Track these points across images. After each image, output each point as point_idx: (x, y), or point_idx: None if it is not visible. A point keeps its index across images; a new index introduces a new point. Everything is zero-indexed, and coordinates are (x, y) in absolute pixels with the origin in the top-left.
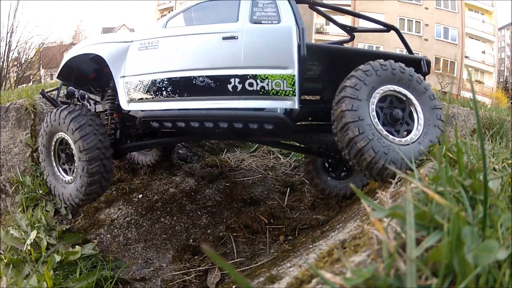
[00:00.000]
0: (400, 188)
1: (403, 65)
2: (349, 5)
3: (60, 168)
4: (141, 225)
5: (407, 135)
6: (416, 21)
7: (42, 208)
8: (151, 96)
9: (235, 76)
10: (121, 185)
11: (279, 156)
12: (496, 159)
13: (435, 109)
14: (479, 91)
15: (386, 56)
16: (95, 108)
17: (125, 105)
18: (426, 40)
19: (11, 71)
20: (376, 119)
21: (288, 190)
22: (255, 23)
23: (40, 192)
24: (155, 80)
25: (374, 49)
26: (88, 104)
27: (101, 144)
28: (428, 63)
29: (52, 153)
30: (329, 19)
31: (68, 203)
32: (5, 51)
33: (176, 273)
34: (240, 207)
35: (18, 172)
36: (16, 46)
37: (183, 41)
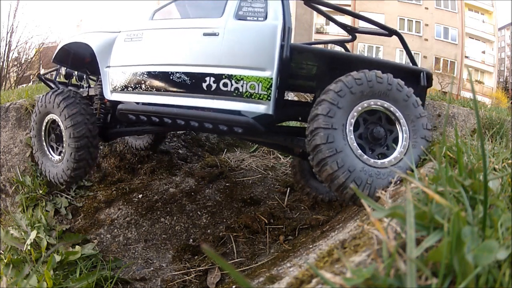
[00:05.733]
0: (400, 188)
1: (379, 73)
2: (349, 5)
3: (50, 150)
4: (141, 225)
5: (389, 154)
6: (416, 21)
7: (42, 208)
8: (131, 88)
9: (210, 75)
10: (121, 185)
11: (279, 156)
12: (496, 159)
13: (420, 118)
14: (479, 91)
15: (382, 65)
16: (88, 91)
17: (108, 95)
18: (426, 40)
19: (11, 71)
20: (355, 144)
21: (288, 190)
22: (239, 19)
23: (40, 192)
24: (136, 73)
25: (374, 49)
26: (87, 83)
27: (84, 111)
28: (429, 76)
29: (43, 136)
30: (329, 18)
31: (64, 177)
32: (5, 51)
33: (176, 273)
34: (240, 207)
35: (18, 172)
36: (16, 46)
37: (166, 34)
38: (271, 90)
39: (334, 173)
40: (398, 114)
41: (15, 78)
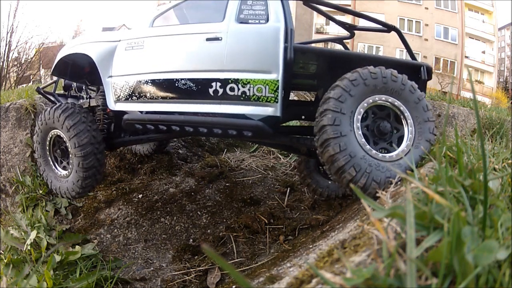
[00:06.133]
0: (400, 188)
1: (395, 72)
2: (349, 5)
3: (56, 164)
4: (141, 225)
5: (391, 150)
6: (416, 21)
7: (42, 208)
8: (136, 97)
9: (216, 80)
10: (121, 185)
11: (279, 156)
12: (496, 159)
13: (428, 122)
14: (479, 91)
15: (382, 61)
16: (89, 102)
17: (112, 105)
18: (426, 40)
19: (11, 71)
20: (360, 132)
21: (288, 190)
22: (241, 22)
23: (40, 192)
24: (140, 81)
25: (374, 49)
26: (86, 94)
27: (94, 140)
28: (429, 69)
29: (48, 151)
30: (328, 16)
31: (68, 194)
32: (5, 51)
33: (176, 273)
34: (240, 207)
35: (18, 172)
36: (16, 46)
37: (168, 41)
38: (278, 92)
39: (335, 155)
40: (407, 114)
41: (15, 78)
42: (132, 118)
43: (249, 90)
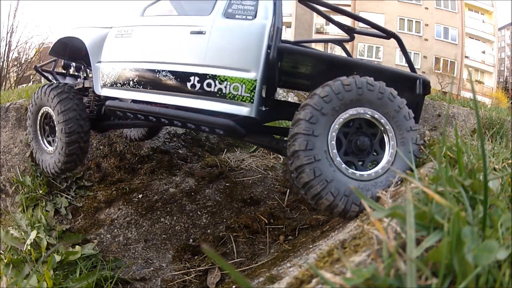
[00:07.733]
0: (400, 188)
1: (371, 79)
2: (349, 5)
3: (44, 140)
4: (141, 225)
5: (379, 159)
6: (416, 21)
7: (42, 208)
8: (120, 84)
9: (195, 74)
10: (121, 185)
11: (279, 156)
12: (496, 159)
13: (400, 110)
14: (479, 91)
15: (373, 70)
16: (83, 83)
17: (98, 90)
18: (426, 40)
19: (11, 71)
20: (344, 165)
21: (288, 190)
22: (228, 17)
23: (40, 192)
24: (125, 69)
25: (374, 49)
26: (86, 73)
27: (77, 107)
28: (426, 83)
29: (38, 127)
30: (326, 17)
31: (55, 167)
32: (5, 51)
33: (176, 273)
34: (240, 207)
35: (18, 172)
36: (16, 46)
37: (154, 32)
38: (254, 92)
39: (331, 204)
40: (378, 115)
41: (15, 78)
42: (113, 105)
43: (225, 87)
